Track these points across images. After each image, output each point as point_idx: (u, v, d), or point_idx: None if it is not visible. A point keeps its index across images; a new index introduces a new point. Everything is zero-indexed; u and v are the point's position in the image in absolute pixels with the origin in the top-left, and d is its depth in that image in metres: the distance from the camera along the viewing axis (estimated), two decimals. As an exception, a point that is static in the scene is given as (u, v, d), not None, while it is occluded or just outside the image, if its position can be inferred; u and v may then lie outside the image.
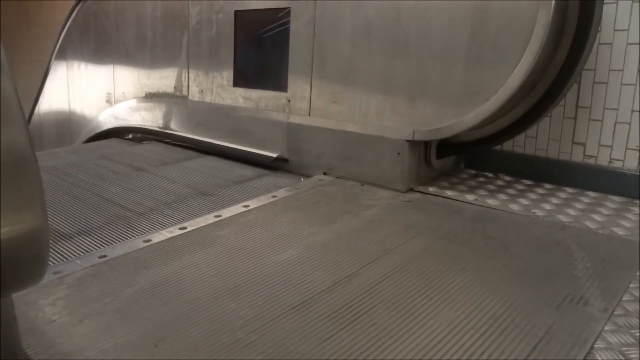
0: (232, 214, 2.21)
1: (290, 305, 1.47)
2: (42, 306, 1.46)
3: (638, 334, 1.35)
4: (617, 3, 2.36)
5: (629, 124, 2.42)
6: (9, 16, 7.60)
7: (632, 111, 2.40)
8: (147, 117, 4.09)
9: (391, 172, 2.54)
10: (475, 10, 2.20)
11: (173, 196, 2.54)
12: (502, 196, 2.44)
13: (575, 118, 2.58)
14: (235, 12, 3.23)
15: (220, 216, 2.18)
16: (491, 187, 2.59)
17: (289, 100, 2.98)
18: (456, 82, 2.30)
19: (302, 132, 2.91)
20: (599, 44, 2.42)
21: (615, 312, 1.45)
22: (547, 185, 2.60)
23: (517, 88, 2.12)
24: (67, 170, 3.07)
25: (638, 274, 1.68)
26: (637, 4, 2.31)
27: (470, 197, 2.42)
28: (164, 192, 2.62)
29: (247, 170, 3.00)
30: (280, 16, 3.02)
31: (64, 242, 2.01)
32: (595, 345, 1.30)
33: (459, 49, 2.27)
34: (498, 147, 2.78)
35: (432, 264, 1.72)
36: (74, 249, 1.95)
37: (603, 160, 2.52)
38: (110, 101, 4.63)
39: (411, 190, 2.53)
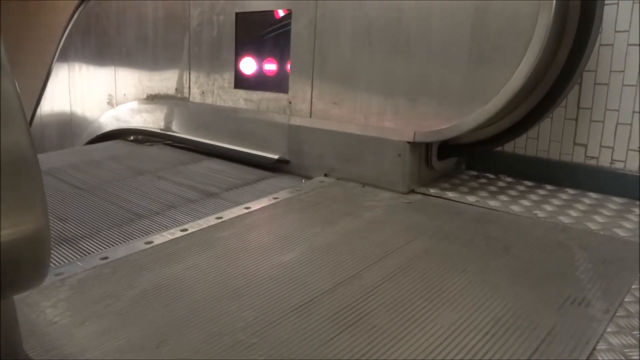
0: (234, 215, 2.21)
1: (291, 306, 1.47)
2: (43, 308, 1.46)
3: None
4: (617, 4, 2.36)
5: (630, 125, 2.42)
6: (11, 17, 7.62)
7: (634, 112, 2.40)
8: (149, 119, 4.10)
9: (392, 174, 2.54)
10: (476, 11, 2.20)
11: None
12: (504, 197, 2.44)
13: (576, 119, 2.58)
14: (237, 13, 3.24)
15: (221, 218, 2.18)
16: (492, 188, 2.58)
17: (290, 102, 2.98)
18: (457, 83, 2.30)
19: (303, 134, 2.91)
20: (600, 45, 2.42)
21: (617, 314, 1.44)
22: (549, 187, 2.59)
23: (518, 89, 2.12)
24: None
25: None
26: (638, 4, 2.31)
27: (471, 199, 2.41)
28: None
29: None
30: (281, 17, 3.03)
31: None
32: (597, 347, 1.29)
33: (460, 50, 2.27)
34: (499, 148, 2.78)
35: (433, 266, 1.72)
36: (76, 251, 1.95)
37: (604, 162, 2.52)
38: (111, 103, 4.63)
39: (412, 191, 2.53)
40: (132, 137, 4.33)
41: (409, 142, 2.47)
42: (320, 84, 2.81)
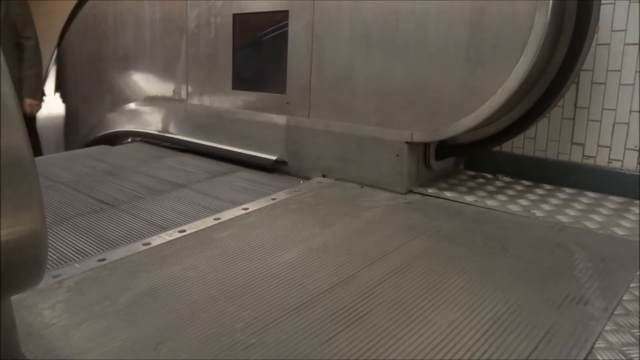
0: (232, 216, 2.21)
1: (290, 307, 1.46)
2: (41, 310, 1.45)
3: (639, 334, 1.35)
4: (614, 3, 2.37)
5: (628, 124, 2.43)
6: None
7: (631, 111, 2.41)
8: (146, 121, 4.10)
9: (390, 174, 2.54)
10: (473, 12, 2.21)
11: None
12: (502, 197, 2.44)
13: (573, 119, 2.58)
14: (234, 15, 3.24)
15: (219, 219, 2.18)
16: (490, 188, 2.59)
17: (287, 103, 2.98)
18: (455, 84, 2.30)
19: (301, 135, 2.91)
20: (597, 44, 2.43)
21: (616, 312, 1.45)
22: (547, 186, 2.60)
23: (515, 89, 2.13)
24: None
25: (638, 273, 1.68)
26: (635, 4, 2.32)
27: (469, 199, 2.42)
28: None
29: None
30: (279, 19, 3.03)
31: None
32: (596, 345, 1.29)
33: (457, 51, 2.27)
34: (497, 148, 2.79)
35: (432, 265, 1.72)
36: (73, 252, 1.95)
37: (602, 161, 2.53)
38: (108, 105, 4.63)
39: (410, 191, 2.53)
40: (130, 139, 4.33)
41: (407, 143, 2.47)
42: (318, 85, 2.81)
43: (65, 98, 5.50)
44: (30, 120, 4.62)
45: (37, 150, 4.83)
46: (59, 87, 5.49)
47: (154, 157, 3.51)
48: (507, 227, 2.08)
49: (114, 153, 3.81)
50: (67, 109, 5.49)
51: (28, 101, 4.47)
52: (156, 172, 3.11)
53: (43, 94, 4.78)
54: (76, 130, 5.36)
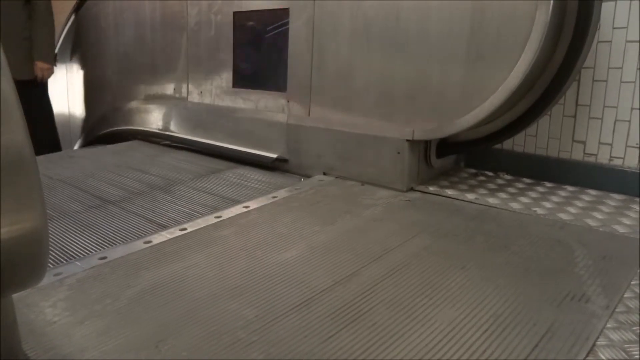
0: (233, 214, 2.21)
1: (291, 305, 1.46)
2: (42, 308, 1.45)
3: None
4: (615, 1, 2.36)
5: (629, 121, 2.42)
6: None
7: (632, 109, 2.40)
8: (147, 119, 4.10)
9: (391, 172, 2.54)
10: (474, 10, 2.20)
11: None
12: (503, 195, 2.44)
13: (575, 116, 2.58)
14: (234, 13, 3.24)
15: (220, 217, 2.18)
16: (491, 185, 2.58)
17: (288, 101, 2.98)
18: (455, 81, 2.30)
19: (301, 133, 2.91)
20: (598, 41, 2.42)
21: (617, 309, 1.44)
22: (548, 184, 2.59)
23: (516, 87, 2.12)
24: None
25: (639, 271, 1.67)
26: (636, 2, 2.31)
27: (470, 196, 2.41)
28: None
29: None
30: (279, 16, 3.02)
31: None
32: (597, 343, 1.29)
33: (458, 48, 2.27)
34: (498, 145, 2.78)
35: (433, 263, 1.72)
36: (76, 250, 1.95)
37: (603, 158, 2.52)
38: (109, 103, 4.63)
39: (411, 189, 2.53)
40: (130, 138, 4.33)
41: (407, 140, 2.46)
42: (319, 83, 2.81)
43: (66, 95, 5.47)
44: (41, 86, 4.35)
45: (49, 122, 4.58)
46: (60, 84, 5.46)
47: (212, 171, 3.09)
48: (508, 224, 2.08)
49: (157, 162, 3.39)
50: (69, 106, 5.46)
51: (39, 64, 4.18)
52: (212, 185, 2.76)
53: (55, 57, 4.46)
54: (77, 128, 5.35)
